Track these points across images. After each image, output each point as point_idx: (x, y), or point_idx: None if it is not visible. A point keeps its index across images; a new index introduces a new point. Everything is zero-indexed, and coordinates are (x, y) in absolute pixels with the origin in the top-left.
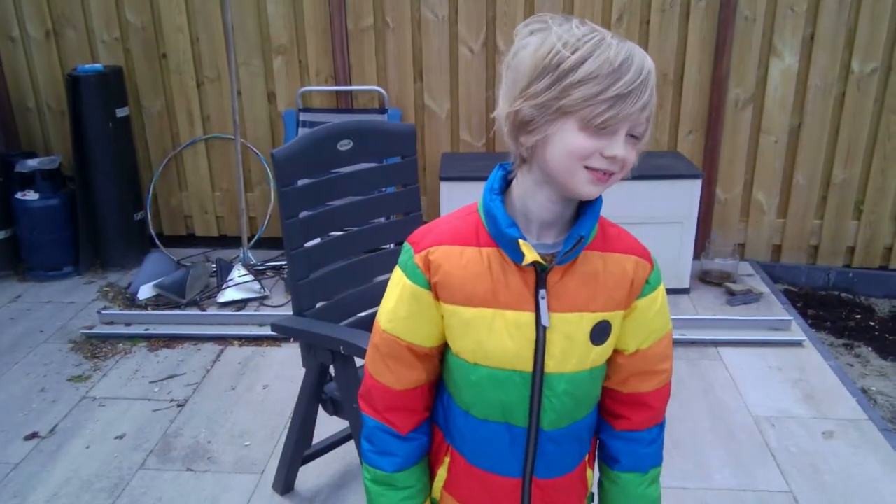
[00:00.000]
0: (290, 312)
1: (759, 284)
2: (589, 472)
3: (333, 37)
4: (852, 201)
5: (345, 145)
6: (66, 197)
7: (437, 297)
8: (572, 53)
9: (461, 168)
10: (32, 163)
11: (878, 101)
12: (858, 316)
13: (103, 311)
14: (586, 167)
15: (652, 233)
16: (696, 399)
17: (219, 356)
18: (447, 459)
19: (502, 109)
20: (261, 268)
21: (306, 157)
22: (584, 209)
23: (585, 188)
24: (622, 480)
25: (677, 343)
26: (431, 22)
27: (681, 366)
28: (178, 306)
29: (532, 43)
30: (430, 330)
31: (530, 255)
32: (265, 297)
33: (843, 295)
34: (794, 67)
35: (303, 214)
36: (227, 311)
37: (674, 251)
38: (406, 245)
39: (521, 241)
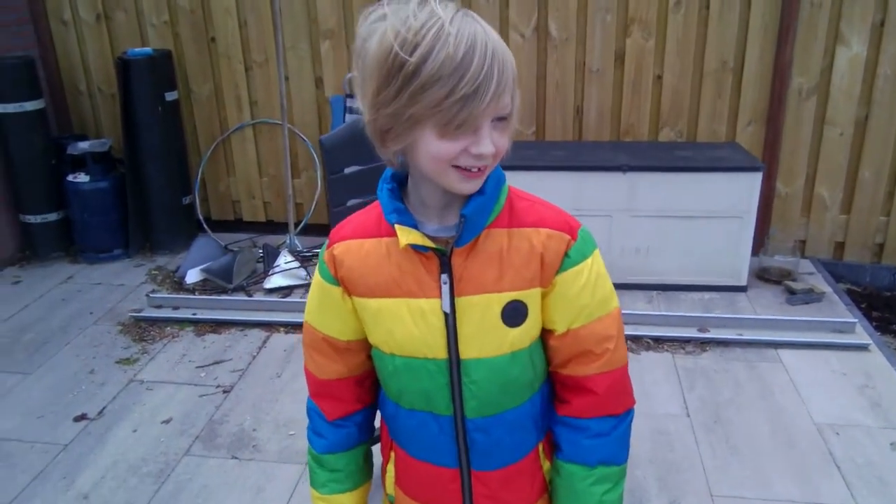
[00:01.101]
0: None
1: (820, 283)
2: (547, 464)
3: None
4: None
5: None
6: (116, 180)
7: (347, 292)
8: (411, 54)
9: (511, 157)
10: (83, 145)
11: None
12: None
13: (152, 295)
14: (455, 166)
15: (709, 228)
16: (755, 404)
17: (265, 343)
18: (393, 455)
19: (362, 110)
20: (307, 254)
21: (355, 145)
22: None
23: (459, 186)
24: (564, 471)
25: (734, 344)
26: (482, 6)
27: (738, 368)
28: (224, 291)
29: (374, 35)
30: (341, 324)
31: (405, 238)
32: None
33: None
34: (862, 55)
35: (351, 202)
36: (274, 298)
37: (731, 247)
38: (327, 239)
39: (397, 226)
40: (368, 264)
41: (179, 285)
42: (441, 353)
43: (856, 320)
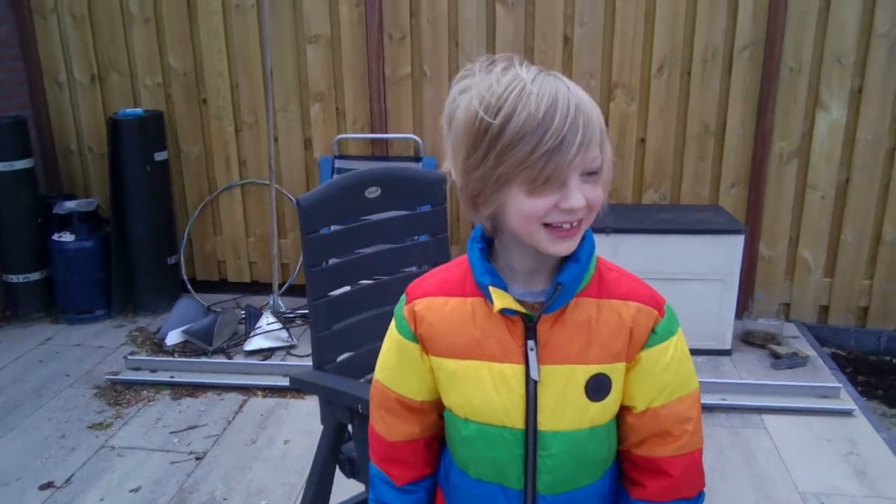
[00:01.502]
0: None
1: (805, 347)
2: None
3: (371, 85)
4: None
5: (373, 192)
6: (101, 239)
7: (425, 350)
8: (495, 116)
9: None
10: (70, 204)
11: None
12: None
13: (130, 357)
14: (546, 224)
15: (692, 290)
16: (738, 470)
17: (241, 407)
18: None
19: (456, 181)
20: (290, 315)
21: (333, 204)
22: (575, 251)
23: (550, 247)
24: None
25: (718, 409)
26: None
27: (722, 433)
28: (205, 353)
29: (462, 105)
30: (418, 383)
31: (500, 302)
32: (292, 347)
33: (895, 361)
34: (841, 120)
35: (328, 262)
36: (253, 360)
37: (715, 310)
38: (403, 294)
39: (491, 288)
40: (451, 323)
41: (159, 347)
42: (519, 422)
43: (840, 385)
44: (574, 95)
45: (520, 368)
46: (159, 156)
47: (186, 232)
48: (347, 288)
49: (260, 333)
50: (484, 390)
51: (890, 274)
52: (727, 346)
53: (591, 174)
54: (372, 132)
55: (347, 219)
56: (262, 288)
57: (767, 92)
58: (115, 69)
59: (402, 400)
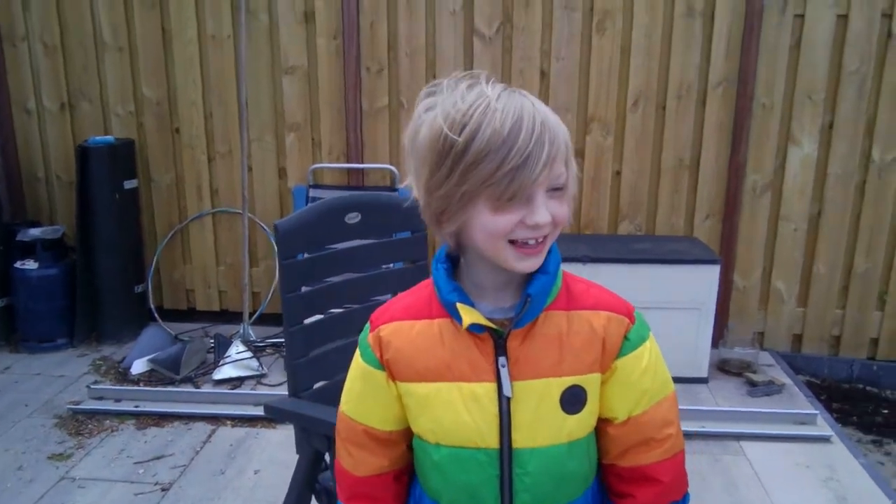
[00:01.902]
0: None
1: (780, 375)
2: None
3: (347, 116)
4: (875, 291)
5: (352, 218)
6: (66, 267)
7: (392, 377)
8: (460, 133)
9: None
10: (34, 232)
11: None
12: (886, 411)
13: (92, 386)
14: (512, 241)
15: (668, 319)
16: (719, 497)
17: (210, 437)
18: None
19: (418, 198)
20: (260, 344)
21: (311, 230)
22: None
23: (517, 264)
24: None
25: (696, 436)
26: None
27: (702, 460)
28: (171, 383)
29: (426, 122)
30: (384, 412)
31: (468, 318)
32: (263, 376)
33: (867, 388)
34: (813, 155)
35: (304, 289)
36: (222, 389)
37: (691, 339)
38: (367, 322)
39: (458, 305)
40: (419, 346)
41: (124, 376)
42: (493, 441)
43: (817, 412)
44: (539, 112)
45: (491, 387)
46: (129, 184)
47: (155, 260)
48: (320, 316)
49: (229, 362)
50: (455, 412)
51: (862, 304)
52: (704, 375)
53: (556, 190)
54: (348, 162)
55: (326, 245)
56: (231, 317)
57: (741, 127)
58: (85, 98)
59: (369, 431)
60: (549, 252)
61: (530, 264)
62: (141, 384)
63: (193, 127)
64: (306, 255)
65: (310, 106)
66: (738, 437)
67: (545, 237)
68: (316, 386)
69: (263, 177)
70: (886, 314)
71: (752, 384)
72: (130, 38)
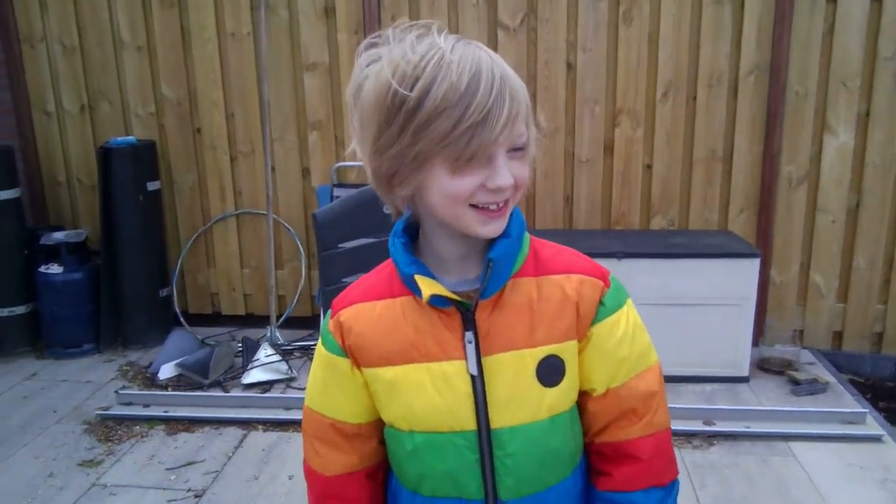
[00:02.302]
0: None
1: (822, 373)
2: None
3: None
4: None
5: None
6: (90, 271)
7: (356, 364)
8: (411, 88)
9: None
10: (58, 235)
11: None
12: None
13: (121, 391)
14: (473, 205)
15: (707, 316)
16: (772, 500)
17: (241, 442)
18: None
19: (363, 160)
20: (288, 348)
21: (350, 220)
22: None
23: (479, 229)
24: None
25: (742, 437)
26: None
27: (750, 462)
28: (200, 387)
29: (371, 76)
30: (352, 404)
31: (428, 289)
32: (292, 379)
33: None
34: (849, 144)
35: (345, 281)
36: (252, 394)
37: (731, 336)
38: (329, 309)
39: (417, 277)
40: (382, 328)
41: (152, 381)
42: (469, 423)
43: (866, 410)
44: (498, 66)
45: (461, 364)
46: (152, 185)
47: (179, 264)
48: None
49: (258, 366)
50: (425, 394)
51: None
52: (745, 374)
53: (517, 150)
54: None
55: (365, 235)
56: (256, 321)
57: (774, 116)
58: (105, 98)
59: (336, 425)
60: (511, 216)
61: (493, 228)
62: (169, 389)
63: (215, 127)
64: (345, 246)
65: (332, 103)
66: (786, 437)
67: (506, 201)
68: None
69: (287, 177)
70: None
71: (796, 383)
72: (149, 37)
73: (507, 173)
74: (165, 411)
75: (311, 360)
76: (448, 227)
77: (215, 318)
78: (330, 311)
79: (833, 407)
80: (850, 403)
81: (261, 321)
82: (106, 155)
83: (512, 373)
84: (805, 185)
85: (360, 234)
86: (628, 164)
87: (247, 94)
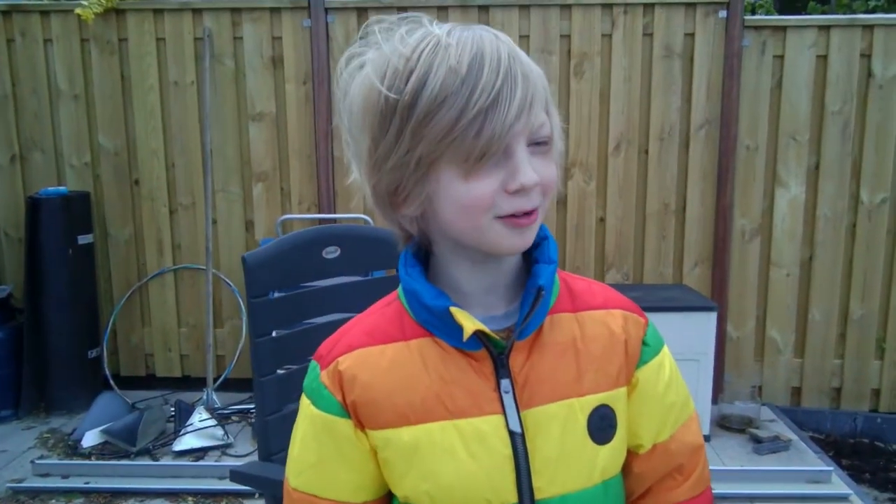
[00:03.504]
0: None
1: (784, 430)
2: None
3: (318, 164)
4: (873, 339)
5: (331, 252)
6: (12, 331)
7: (360, 426)
8: (406, 82)
9: None
10: None
11: (892, 231)
12: None
13: (37, 461)
14: (496, 217)
15: None
16: None
17: None
18: None
19: (359, 179)
20: (225, 412)
21: (285, 264)
22: (534, 254)
23: (506, 243)
24: None
25: None
26: None
27: None
28: (126, 455)
29: (358, 80)
30: (356, 477)
31: (470, 325)
32: (228, 446)
33: (875, 442)
34: (800, 197)
35: (277, 333)
36: (183, 462)
37: (690, 393)
38: (311, 363)
39: (453, 309)
40: (396, 378)
41: (74, 450)
42: (510, 494)
43: (831, 469)
44: (505, 44)
45: (499, 420)
46: (83, 239)
47: (111, 322)
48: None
49: (191, 431)
50: (456, 459)
51: (860, 352)
52: (705, 432)
53: (539, 144)
54: (319, 212)
55: (301, 282)
56: (194, 383)
57: (726, 169)
58: (38, 148)
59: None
60: (545, 238)
61: (523, 241)
62: (92, 458)
63: (154, 178)
64: (279, 294)
65: (278, 154)
66: (751, 498)
67: (536, 208)
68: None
69: (229, 230)
70: (886, 363)
71: (758, 441)
72: (87, 85)
73: (529, 169)
74: (86, 483)
75: (249, 424)
76: (468, 249)
77: (149, 381)
78: (317, 364)
79: (797, 465)
80: (814, 461)
81: (198, 383)
82: (34, 206)
83: (560, 428)
84: (758, 238)
85: (295, 280)
86: (581, 218)
87: (189, 144)
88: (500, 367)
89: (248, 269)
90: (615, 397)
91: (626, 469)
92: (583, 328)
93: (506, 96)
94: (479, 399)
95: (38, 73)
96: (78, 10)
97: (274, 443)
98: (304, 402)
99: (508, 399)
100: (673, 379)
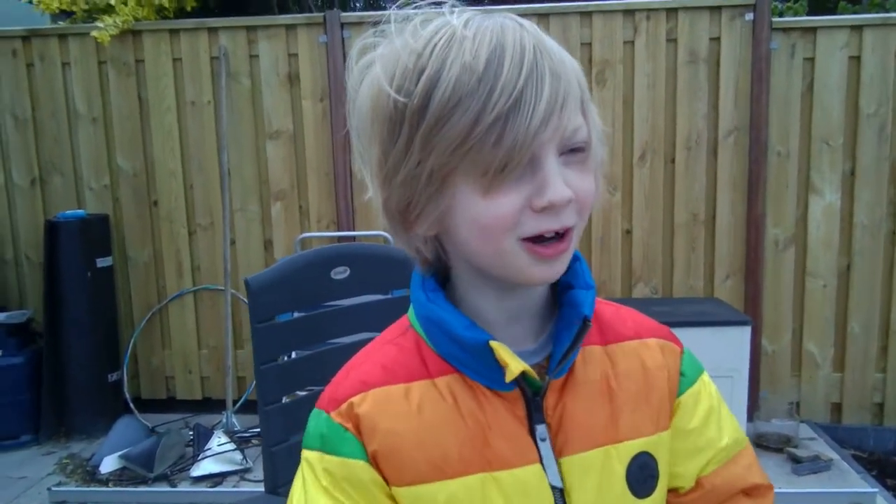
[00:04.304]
0: None
1: (824, 450)
2: None
3: (337, 181)
4: None
5: (340, 273)
6: (32, 355)
7: (385, 481)
8: (416, 82)
9: None
10: None
11: None
12: None
13: (54, 489)
14: (521, 239)
15: None
16: None
17: None
18: None
19: (374, 196)
20: (245, 435)
21: (290, 286)
22: (565, 277)
23: (534, 272)
24: None
25: None
26: None
27: None
28: (144, 482)
29: (367, 81)
30: None
31: (515, 364)
32: (247, 470)
33: None
34: (836, 204)
35: (284, 359)
36: (201, 488)
37: None
38: (314, 412)
39: (494, 344)
40: (428, 422)
41: (92, 476)
42: None
43: (876, 490)
44: (531, 35)
45: (539, 471)
46: (102, 262)
47: (131, 345)
48: (303, 392)
49: (210, 456)
50: None
51: None
52: None
53: (574, 152)
54: (338, 230)
55: (309, 304)
56: (215, 406)
57: (756, 177)
58: (58, 171)
59: None
60: (576, 260)
61: (553, 270)
62: (110, 484)
63: (172, 199)
64: (285, 317)
65: (296, 172)
66: None
67: (568, 229)
68: None
69: (248, 250)
70: None
71: (797, 461)
72: (105, 107)
73: (560, 183)
74: None
75: None
76: (490, 274)
77: (170, 404)
78: (320, 411)
79: (839, 487)
80: (857, 482)
81: (219, 405)
82: (52, 229)
83: (598, 478)
84: (792, 248)
85: (302, 304)
86: (607, 230)
87: (207, 164)
88: (535, 411)
89: (251, 292)
90: (657, 443)
91: None
92: (615, 363)
93: (530, 96)
94: (518, 447)
95: (56, 96)
96: (94, 33)
97: (281, 475)
98: (312, 456)
99: (545, 448)
100: (714, 408)
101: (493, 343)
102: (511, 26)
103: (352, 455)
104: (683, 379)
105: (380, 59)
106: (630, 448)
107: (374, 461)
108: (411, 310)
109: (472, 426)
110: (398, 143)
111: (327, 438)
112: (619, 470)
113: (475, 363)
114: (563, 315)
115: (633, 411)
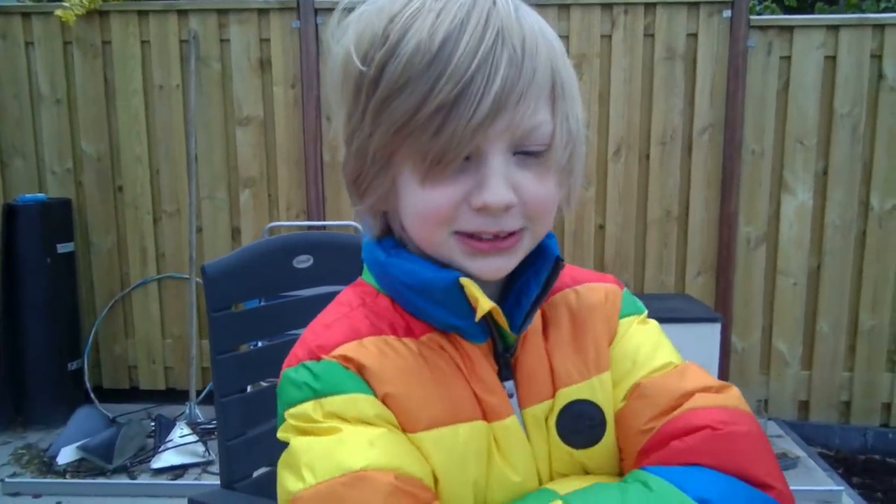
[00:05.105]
0: None
1: (791, 447)
2: None
3: (307, 169)
4: (884, 351)
5: (302, 262)
6: None
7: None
8: (381, 49)
9: None
10: None
11: None
12: None
13: (7, 480)
14: (455, 232)
15: None
16: None
17: None
18: None
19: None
20: (208, 426)
21: (250, 275)
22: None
23: (467, 264)
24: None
25: None
26: None
27: None
28: (103, 473)
29: (341, 42)
30: (419, 458)
31: (485, 301)
32: (209, 463)
33: (887, 459)
34: (808, 203)
35: (241, 349)
36: (161, 480)
37: None
38: (290, 370)
39: (463, 280)
40: (432, 367)
41: (49, 467)
42: None
43: (841, 488)
44: (502, 14)
45: (517, 422)
46: (63, 247)
47: (93, 333)
48: (262, 384)
49: (171, 448)
50: (499, 469)
51: (871, 365)
52: None
53: (530, 155)
54: (308, 219)
55: (269, 293)
56: (179, 396)
57: (730, 175)
58: (19, 154)
59: (413, 483)
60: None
61: (490, 266)
62: (67, 476)
63: (138, 184)
64: (243, 307)
65: (266, 159)
66: None
67: (511, 235)
68: (256, 474)
69: (215, 238)
70: None
71: None
72: (70, 89)
73: (501, 186)
74: (58, 502)
75: None
76: (436, 260)
77: (133, 394)
78: (304, 360)
79: (805, 485)
80: (823, 480)
81: (183, 396)
82: (11, 213)
83: (545, 434)
84: (764, 246)
85: (261, 292)
86: (580, 225)
87: (174, 149)
88: (504, 368)
89: (207, 279)
90: (592, 388)
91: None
92: (550, 315)
93: (478, 87)
94: (500, 398)
95: (19, 76)
96: (59, 12)
97: (236, 469)
98: (306, 408)
99: (514, 401)
100: (651, 332)
101: (462, 280)
102: (482, 3)
103: (359, 390)
104: (622, 312)
105: (354, 23)
106: (561, 397)
107: (385, 403)
108: (371, 279)
109: (465, 375)
110: (356, 112)
111: (324, 380)
112: (550, 422)
113: (443, 308)
114: (536, 262)
115: (563, 359)
